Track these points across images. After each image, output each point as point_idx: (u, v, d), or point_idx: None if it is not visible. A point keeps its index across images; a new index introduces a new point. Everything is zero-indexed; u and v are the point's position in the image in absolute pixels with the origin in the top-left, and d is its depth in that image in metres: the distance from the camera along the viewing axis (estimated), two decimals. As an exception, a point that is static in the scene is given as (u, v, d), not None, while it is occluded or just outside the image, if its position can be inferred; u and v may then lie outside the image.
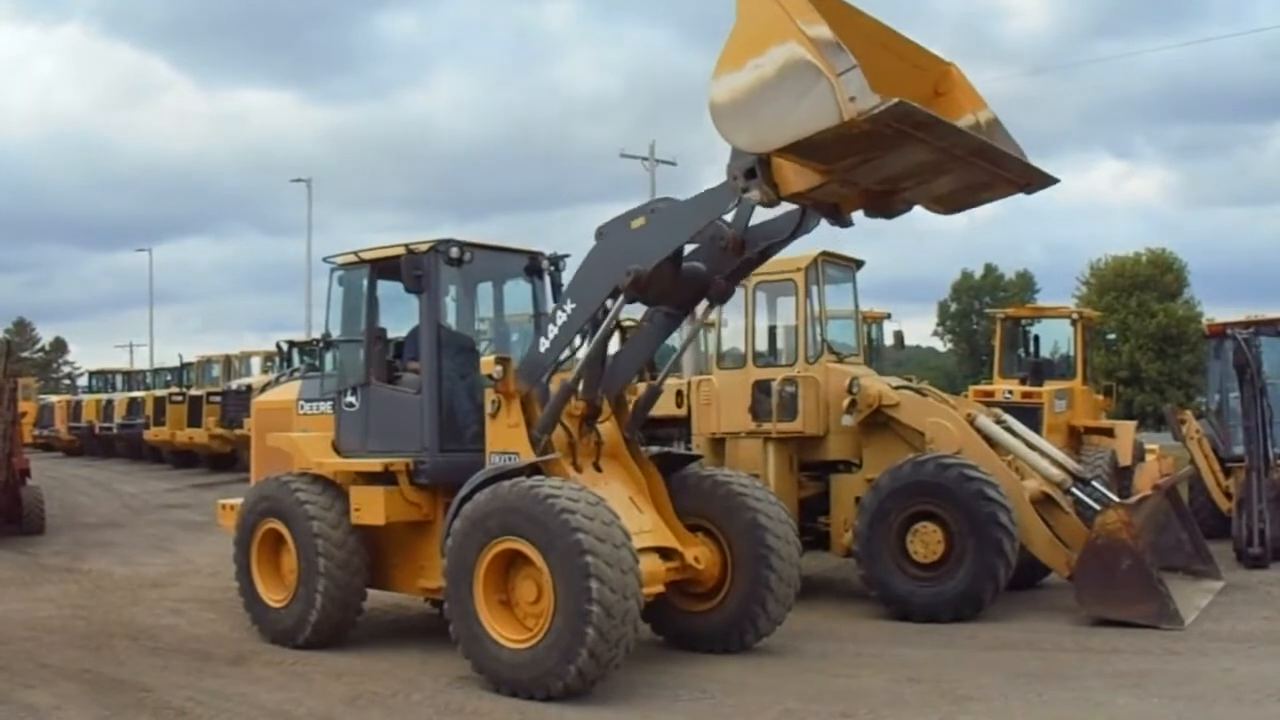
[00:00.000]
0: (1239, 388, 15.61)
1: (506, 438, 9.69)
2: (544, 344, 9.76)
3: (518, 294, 11.47)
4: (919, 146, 7.96)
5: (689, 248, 9.82)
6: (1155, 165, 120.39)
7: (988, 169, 8.62)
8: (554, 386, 9.91)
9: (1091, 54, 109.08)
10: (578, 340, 9.78)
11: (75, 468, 36.12)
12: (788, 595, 10.13)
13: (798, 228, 9.53)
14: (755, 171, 8.38)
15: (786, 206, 9.15)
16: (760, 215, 9.58)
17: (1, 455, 18.47)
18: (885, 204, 9.00)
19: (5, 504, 19.23)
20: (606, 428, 10.18)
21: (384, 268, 10.66)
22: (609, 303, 9.50)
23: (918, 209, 9.14)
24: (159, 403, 35.00)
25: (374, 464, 10.41)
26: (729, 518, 10.10)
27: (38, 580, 15.11)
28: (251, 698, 8.89)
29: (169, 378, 44.18)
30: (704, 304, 10.41)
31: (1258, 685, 8.74)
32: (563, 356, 9.84)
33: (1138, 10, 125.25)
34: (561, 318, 9.63)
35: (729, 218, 9.43)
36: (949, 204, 9.23)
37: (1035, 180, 9.02)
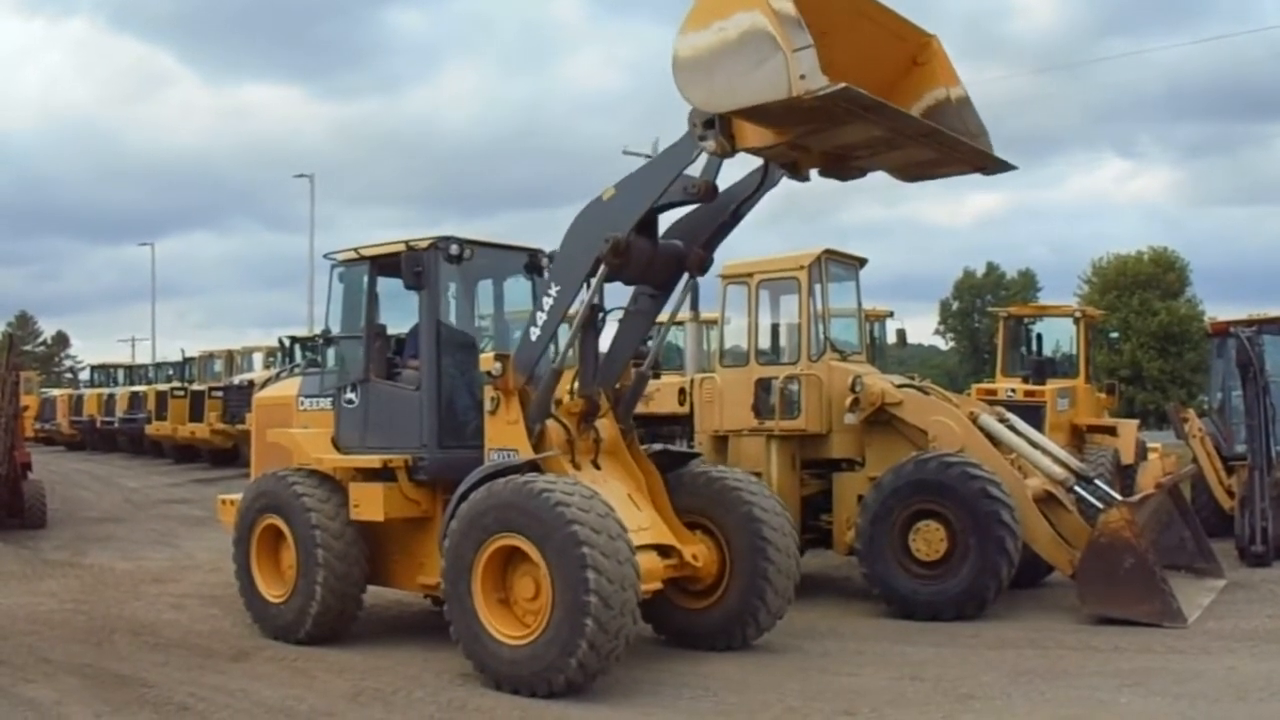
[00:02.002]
0: (1241, 386, 15.59)
1: (505, 435, 9.69)
2: (534, 332, 9.79)
3: (518, 291, 11.45)
4: (868, 125, 8.31)
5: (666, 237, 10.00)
6: (1161, 164, 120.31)
7: (939, 150, 8.99)
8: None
9: (1099, 52, 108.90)
10: (566, 330, 9.86)
11: (77, 462, 36.13)
12: (786, 588, 10.10)
13: (762, 182, 9.75)
14: (714, 123, 8.61)
15: (751, 164, 9.51)
16: (727, 180, 9.80)
17: (3, 449, 18.44)
18: (841, 168, 9.34)
19: (7, 498, 19.22)
20: (605, 425, 10.16)
21: (384, 264, 10.65)
22: (591, 281, 9.58)
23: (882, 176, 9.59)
24: (161, 397, 34.99)
25: (373, 460, 10.40)
26: (725, 512, 10.08)
27: (39, 574, 15.11)
28: (253, 694, 8.88)
29: (171, 372, 44.17)
30: (684, 279, 10.38)
31: (1261, 683, 8.71)
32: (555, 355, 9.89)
33: (1146, 8, 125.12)
34: (548, 302, 9.67)
35: (695, 172, 9.51)
36: (905, 174, 9.70)
37: (989, 165, 9.37)
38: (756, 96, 7.86)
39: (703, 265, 10.22)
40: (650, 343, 11.10)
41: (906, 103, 9.25)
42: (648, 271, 9.91)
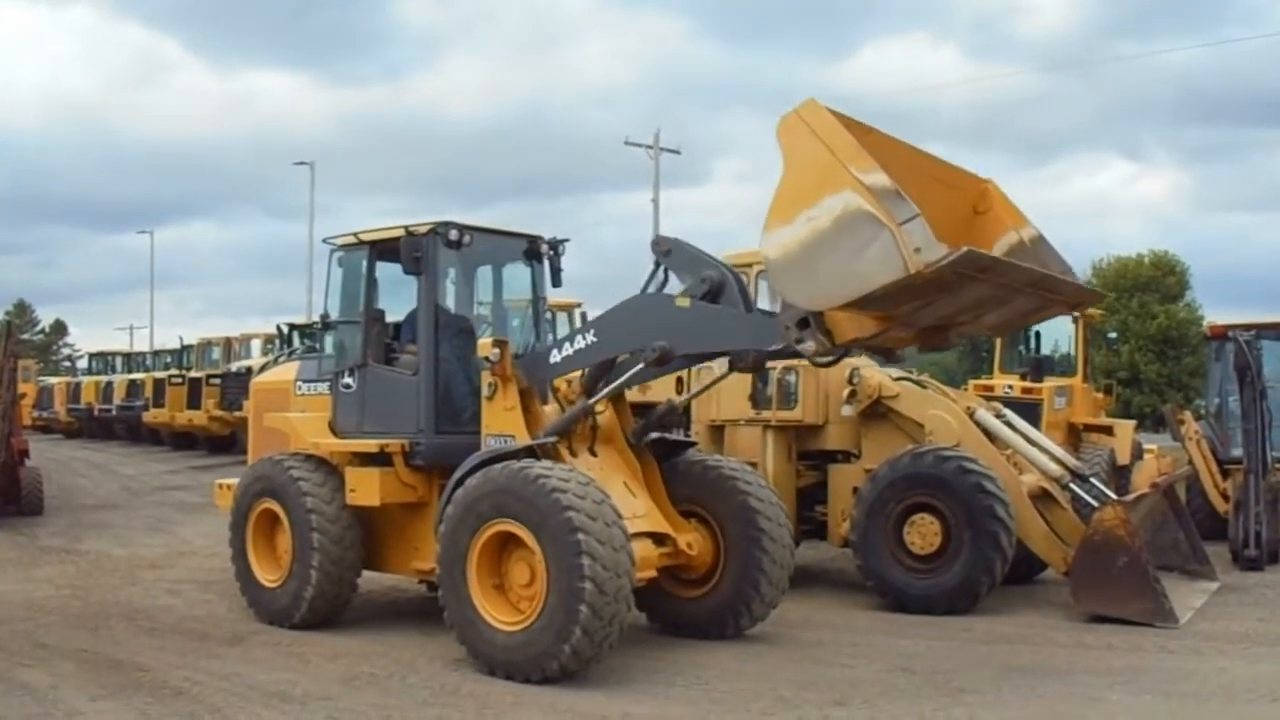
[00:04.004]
0: (1239, 390, 15.58)
1: (502, 420, 9.72)
2: (555, 356, 9.82)
3: (517, 278, 11.47)
4: (981, 285, 7.83)
5: None
6: (1166, 168, 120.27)
7: (1044, 296, 8.61)
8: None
9: (1108, 53, 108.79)
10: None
11: (74, 449, 36.15)
12: (780, 578, 10.12)
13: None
14: (808, 321, 8.08)
15: None
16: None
17: (1, 436, 18.46)
18: (940, 339, 8.90)
19: (4, 485, 19.23)
20: (602, 413, 10.20)
21: (383, 249, 10.65)
22: (627, 356, 9.54)
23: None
24: (158, 385, 34.99)
25: (370, 445, 10.40)
26: (720, 501, 10.10)
27: (36, 561, 15.13)
28: (248, 678, 8.89)
29: (169, 360, 44.19)
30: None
31: (1251, 685, 8.73)
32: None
33: (1156, 10, 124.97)
34: (580, 343, 9.64)
35: None
36: (1001, 330, 9.15)
37: (1086, 300, 9.12)
38: (870, 283, 7.21)
39: (754, 366, 10.24)
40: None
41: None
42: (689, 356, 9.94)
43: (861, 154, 7.26)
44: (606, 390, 9.77)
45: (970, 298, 8.04)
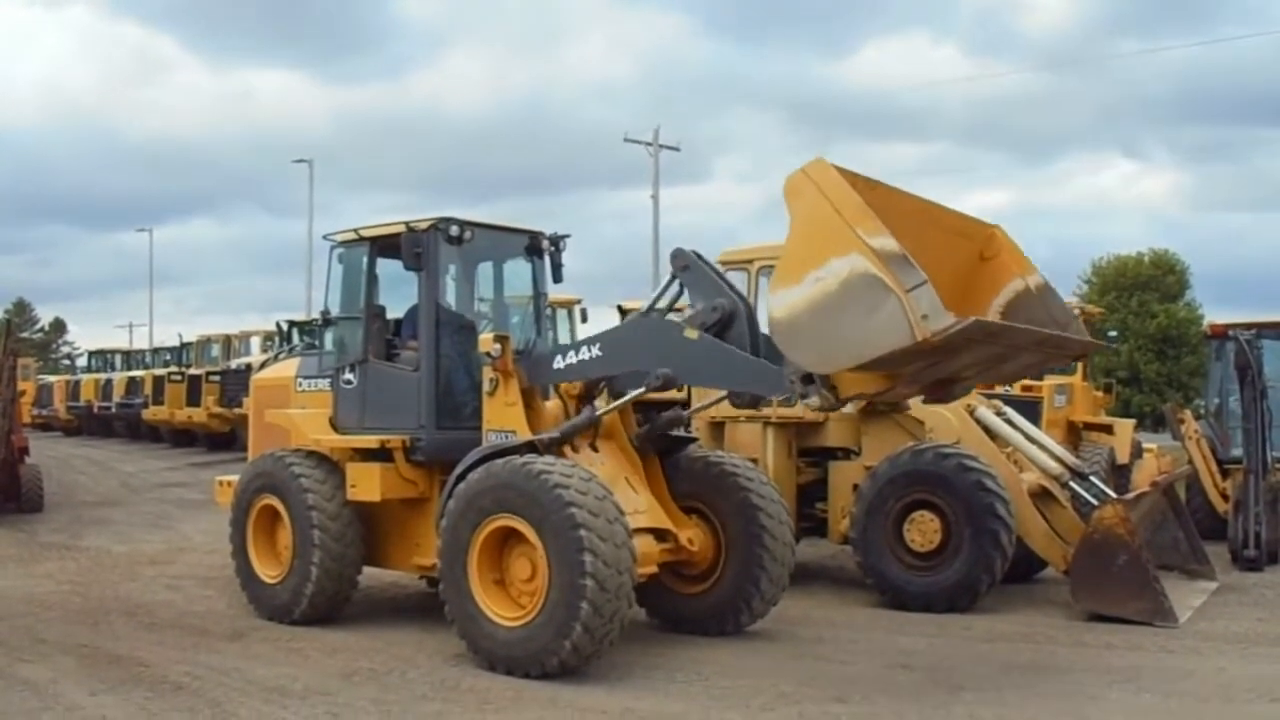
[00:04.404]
0: (1239, 389, 15.55)
1: (503, 416, 9.73)
2: (559, 362, 9.82)
3: (518, 274, 11.47)
4: (988, 347, 7.87)
5: None
6: (1167, 167, 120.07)
7: (1050, 352, 8.71)
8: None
9: (1110, 52, 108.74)
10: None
11: (74, 447, 36.19)
12: (781, 575, 10.13)
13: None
14: (813, 376, 8.13)
15: None
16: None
17: (1, 434, 18.46)
18: (945, 392, 8.97)
19: (4, 482, 19.24)
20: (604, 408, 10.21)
21: (384, 245, 10.66)
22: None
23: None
24: (158, 382, 35.02)
25: (371, 441, 10.42)
26: (722, 498, 10.10)
27: (36, 557, 15.13)
28: (247, 673, 8.91)
29: (168, 357, 44.20)
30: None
31: (1250, 685, 8.72)
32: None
33: (1158, 8, 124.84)
34: (585, 354, 9.65)
35: None
36: (1007, 381, 9.15)
37: (1091, 350, 8.97)
38: (876, 348, 7.23)
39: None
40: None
41: (985, 299, 9.11)
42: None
43: (869, 216, 7.23)
44: (610, 407, 9.79)
45: (976, 357, 8.10)
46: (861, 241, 7.15)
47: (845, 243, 7.21)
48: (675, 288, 9.80)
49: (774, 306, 7.62)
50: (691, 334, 9.06)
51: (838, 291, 7.24)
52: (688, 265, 9.55)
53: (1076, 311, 20.54)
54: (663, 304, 10.03)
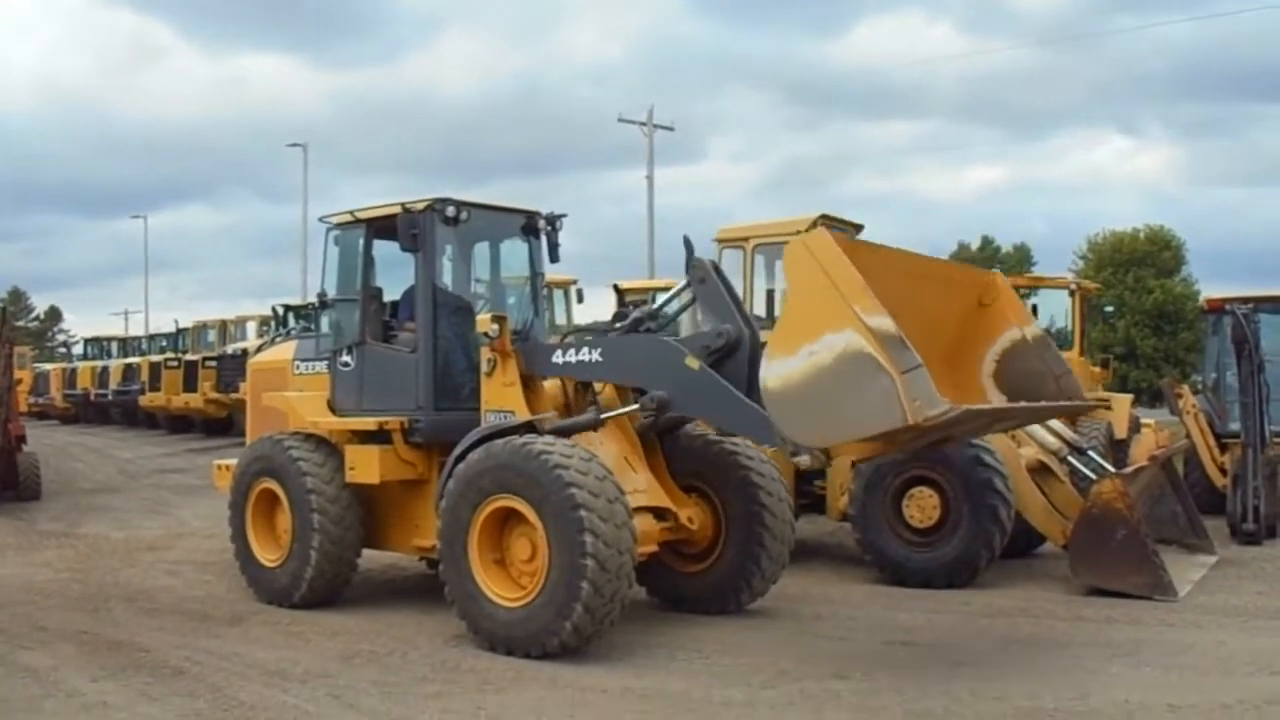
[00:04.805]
0: (1236, 363, 15.55)
1: (502, 396, 9.72)
2: (559, 356, 9.85)
3: (515, 254, 11.43)
4: (980, 420, 8.00)
5: None
6: (1162, 142, 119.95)
7: (1041, 416, 8.92)
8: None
9: (1105, 27, 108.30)
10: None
11: (71, 434, 36.15)
12: (781, 554, 10.14)
13: None
14: None
15: None
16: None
17: (-3, 421, 18.45)
18: (936, 450, 9.28)
19: (2, 470, 19.22)
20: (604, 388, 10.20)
21: (380, 227, 10.63)
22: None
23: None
24: (155, 368, 35.01)
25: (369, 423, 10.41)
26: (722, 477, 10.10)
27: (34, 545, 15.10)
28: (248, 657, 8.90)
29: (164, 343, 44.16)
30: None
31: (1250, 658, 8.73)
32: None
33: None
34: (585, 355, 9.68)
35: None
36: (995, 433, 9.40)
37: (1083, 411, 9.20)
38: (867, 428, 7.30)
39: None
40: None
41: (981, 347, 9.28)
42: None
43: (867, 294, 7.20)
44: (611, 414, 9.76)
45: (968, 428, 8.29)
46: (858, 319, 7.14)
47: (841, 319, 7.20)
48: (688, 295, 9.82)
49: (767, 375, 7.58)
50: (693, 364, 9.05)
51: (831, 367, 7.22)
52: (705, 279, 9.53)
53: (1073, 286, 20.76)
54: (673, 308, 10.13)
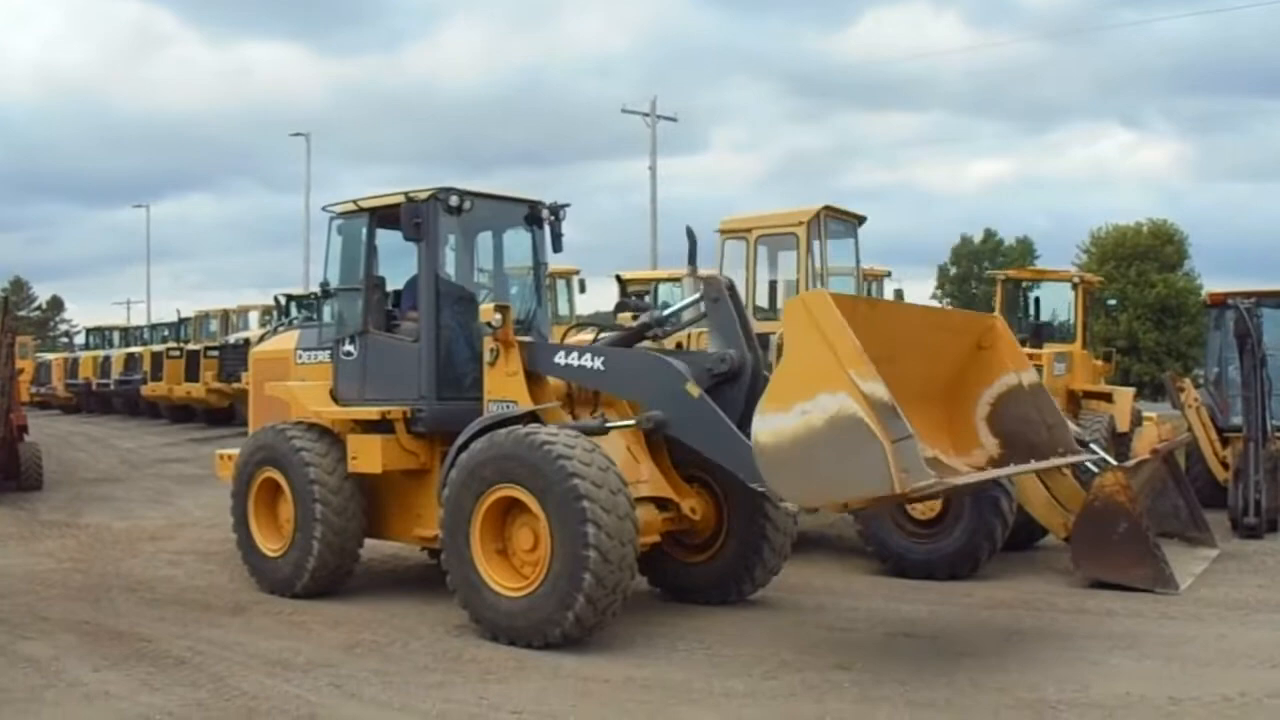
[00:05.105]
0: (1239, 358, 15.53)
1: (504, 386, 9.72)
2: (560, 358, 9.79)
3: (518, 244, 11.42)
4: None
5: None
6: (1166, 137, 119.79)
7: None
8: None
9: (1109, 21, 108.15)
10: None
11: (73, 424, 36.14)
12: (784, 545, 10.14)
13: None
14: None
15: None
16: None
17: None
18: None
19: (4, 460, 19.16)
20: None
21: (383, 216, 10.60)
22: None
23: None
24: (156, 358, 34.93)
25: (371, 412, 10.39)
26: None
27: (36, 535, 15.09)
28: (250, 646, 8.91)
29: (166, 333, 44.14)
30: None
31: (1250, 651, 8.74)
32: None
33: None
34: (587, 361, 9.63)
35: None
36: None
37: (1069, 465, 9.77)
38: (854, 493, 7.44)
39: None
40: None
41: (976, 390, 9.51)
42: None
43: (863, 360, 7.24)
44: (618, 424, 9.71)
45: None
46: (853, 384, 7.18)
47: (836, 381, 7.25)
48: (699, 309, 9.83)
49: (760, 429, 7.62)
50: (693, 390, 9.03)
51: (823, 428, 7.26)
52: (718, 299, 9.51)
53: (1076, 280, 20.73)
54: (684, 317, 10.23)
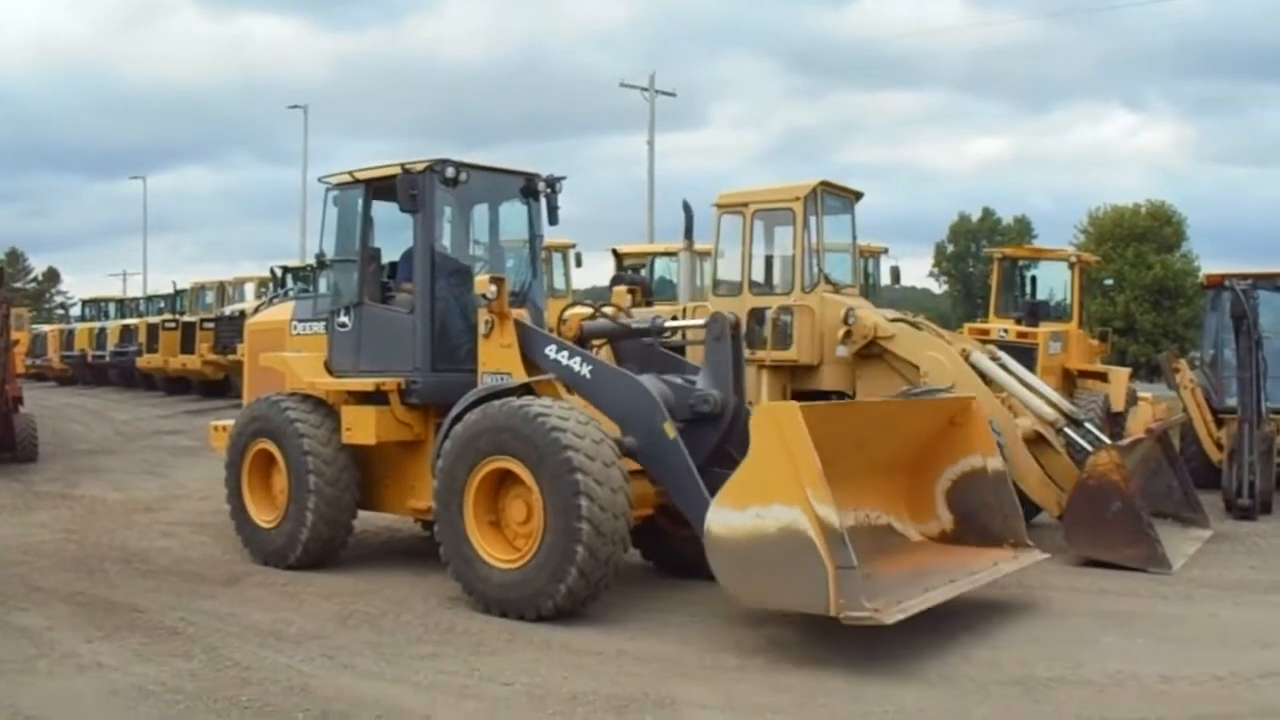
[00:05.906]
0: (1235, 339, 15.54)
1: (499, 358, 9.70)
2: (550, 350, 9.71)
3: (514, 216, 11.38)
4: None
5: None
6: (1167, 119, 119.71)
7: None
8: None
9: (1112, 2, 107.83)
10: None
11: (68, 396, 36.04)
12: None
13: None
14: None
15: None
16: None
17: (-5, 383, 18.40)
18: None
19: (-1, 432, 19.19)
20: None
21: (379, 188, 10.57)
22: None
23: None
24: (152, 330, 34.85)
25: (366, 383, 10.38)
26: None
27: (31, 506, 15.07)
28: (243, 617, 8.91)
29: (162, 305, 44.04)
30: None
31: (1242, 631, 8.77)
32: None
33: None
34: (575, 365, 9.55)
35: None
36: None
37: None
38: (791, 604, 7.78)
39: None
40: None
41: (941, 465, 9.70)
42: None
43: (821, 482, 7.38)
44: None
45: None
46: (808, 503, 7.36)
47: (792, 495, 7.43)
48: (700, 334, 9.82)
49: (713, 520, 7.83)
50: (669, 432, 8.96)
51: (773, 536, 7.49)
52: (720, 338, 9.46)
53: (1073, 259, 20.72)
54: (684, 336, 10.36)
